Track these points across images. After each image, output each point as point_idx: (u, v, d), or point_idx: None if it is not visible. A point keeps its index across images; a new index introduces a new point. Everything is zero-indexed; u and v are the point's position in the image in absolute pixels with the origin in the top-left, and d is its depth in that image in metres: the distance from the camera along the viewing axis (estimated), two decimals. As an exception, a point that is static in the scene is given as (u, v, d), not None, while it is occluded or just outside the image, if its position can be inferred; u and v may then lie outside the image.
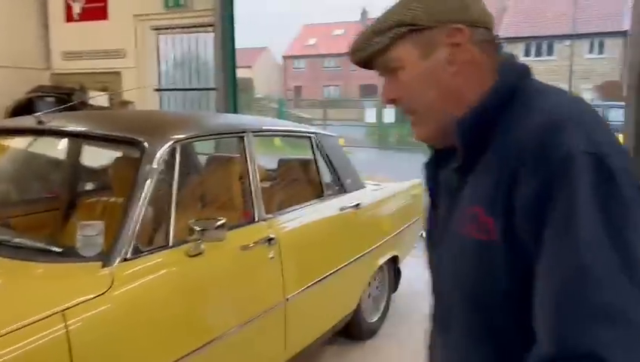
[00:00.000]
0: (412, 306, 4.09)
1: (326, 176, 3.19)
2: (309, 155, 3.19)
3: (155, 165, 2.04)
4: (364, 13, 42.47)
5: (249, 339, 2.26)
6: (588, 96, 27.04)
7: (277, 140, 15.42)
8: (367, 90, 38.97)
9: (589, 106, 0.85)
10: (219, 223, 2.02)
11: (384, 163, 16.20)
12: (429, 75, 0.89)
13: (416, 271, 4.74)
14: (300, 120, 26.05)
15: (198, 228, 1.97)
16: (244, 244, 2.26)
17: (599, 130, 0.79)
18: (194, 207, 2.64)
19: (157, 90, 6.13)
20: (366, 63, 0.95)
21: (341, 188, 3.22)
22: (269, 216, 2.52)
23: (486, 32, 0.91)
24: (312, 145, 3.10)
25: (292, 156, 3.58)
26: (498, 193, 0.81)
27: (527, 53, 30.10)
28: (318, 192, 3.06)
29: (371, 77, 39.31)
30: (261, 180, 3.42)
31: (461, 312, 0.90)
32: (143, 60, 6.11)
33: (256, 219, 2.44)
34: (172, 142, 2.14)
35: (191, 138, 2.28)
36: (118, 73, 6.06)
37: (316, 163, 3.10)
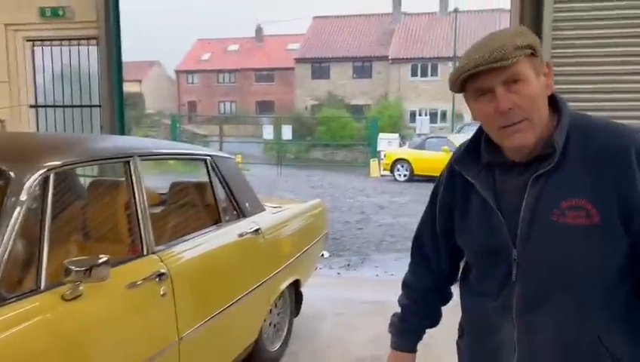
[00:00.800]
0: (314, 329, 4.02)
1: (223, 200, 3.03)
2: (205, 177, 3.01)
3: (22, 197, 1.78)
4: (258, 30, 42.60)
5: (139, 387, 2.03)
6: (468, 114, 29.21)
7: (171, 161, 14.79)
8: (264, 107, 38.99)
9: None
10: (100, 261, 1.80)
11: (284, 179, 16.18)
12: (540, 92, 1.14)
13: (317, 292, 4.70)
14: (194, 136, 25.36)
15: (76, 268, 1.73)
16: (131, 282, 2.04)
17: None
18: (74, 241, 2.36)
19: (32, 106, 5.57)
20: (483, 73, 1.12)
21: (239, 213, 3.07)
22: (160, 248, 2.31)
23: None
24: (208, 168, 2.93)
25: (186, 178, 3.37)
26: (602, 186, 1.10)
27: (413, 73, 31.87)
28: (215, 218, 2.89)
29: (267, 93, 39.54)
30: (152, 205, 3.19)
31: (565, 286, 1.15)
32: (14, 74, 5.52)
33: (145, 253, 2.22)
34: (44, 170, 1.88)
35: (67, 165, 2.03)
36: (-16, 87, 5.43)
37: (212, 187, 2.93)
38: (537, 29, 4.37)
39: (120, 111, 5.67)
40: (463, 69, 1.12)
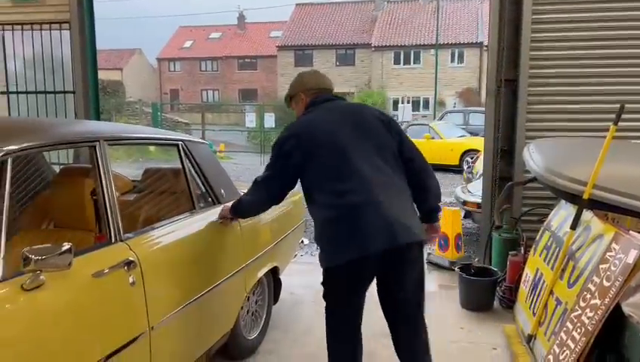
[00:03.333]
0: (293, 317, 3.98)
1: (197, 187, 2.95)
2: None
3: (-24, 183, 1.69)
4: (240, 17, 42.08)
5: (107, 379, 1.96)
6: (450, 101, 29.24)
7: (152, 147, 14.58)
8: (247, 95, 38.63)
9: (303, 120, 2.53)
10: (62, 249, 1.72)
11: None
12: (296, 109, 2.66)
13: (297, 279, 4.65)
14: (176, 124, 25.03)
15: (35, 257, 1.65)
16: (98, 270, 1.96)
17: (291, 127, 2.50)
18: (38, 229, 2.27)
19: (2, 93, 5.40)
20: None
21: (214, 199, 3.00)
22: (129, 235, 2.23)
23: (317, 90, 2.61)
24: (180, 154, 2.84)
25: (160, 165, 3.28)
26: None
27: (396, 61, 31.78)
28: (189, 205, 2.80)
29: (250, 81, 39.19)
30: (124, 193, 3.10)
31: None
32: (-17, 59, 5.34)
33: (113, 240, 2.14)
34: (0, 154, 1.79)
35: (26, 148, 1.93)
36: (-48, 72, 5.25)
37: (185, 173, 2.84)
38: (517, 20, 4.33)
39: (95, 97, 5.53)
40: None
